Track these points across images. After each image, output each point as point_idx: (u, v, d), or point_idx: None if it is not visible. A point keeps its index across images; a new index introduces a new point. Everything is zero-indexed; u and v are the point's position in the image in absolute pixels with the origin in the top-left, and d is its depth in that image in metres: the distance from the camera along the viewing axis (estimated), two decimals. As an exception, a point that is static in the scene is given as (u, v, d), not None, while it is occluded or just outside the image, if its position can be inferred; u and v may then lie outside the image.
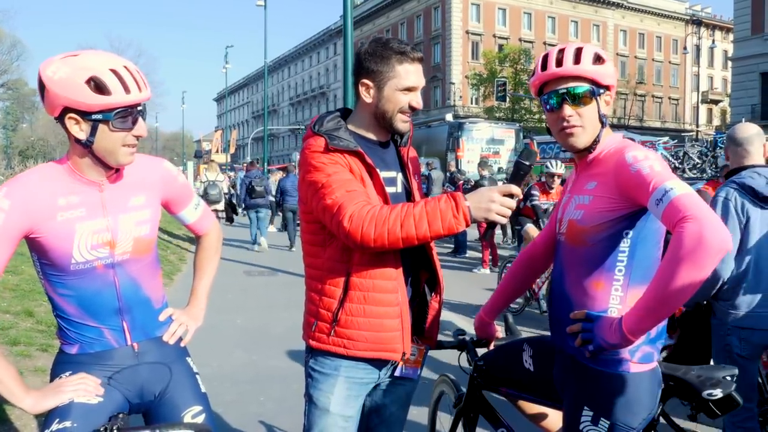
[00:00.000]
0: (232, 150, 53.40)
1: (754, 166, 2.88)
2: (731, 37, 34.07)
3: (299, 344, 2.09)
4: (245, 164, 18.93)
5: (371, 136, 1.99)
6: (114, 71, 1.64)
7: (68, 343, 1.83)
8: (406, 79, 1.89)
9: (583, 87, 1.74)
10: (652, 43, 56.90)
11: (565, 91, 1.75)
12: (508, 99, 33.28)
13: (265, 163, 28.90)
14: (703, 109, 54.99)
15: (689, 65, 56.39)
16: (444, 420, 2.86)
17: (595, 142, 1.79)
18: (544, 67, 1.79)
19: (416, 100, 1.93)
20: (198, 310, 2.12)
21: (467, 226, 1.73)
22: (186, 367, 1.99)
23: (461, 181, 12.17)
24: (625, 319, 1.56)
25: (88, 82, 1.61)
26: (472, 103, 47.97)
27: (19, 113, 60.16)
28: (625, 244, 1.70)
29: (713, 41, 50.67)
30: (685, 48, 50.46)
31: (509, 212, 1.73)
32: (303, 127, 52.42)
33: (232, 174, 27.09)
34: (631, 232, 1.69)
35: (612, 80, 1.78)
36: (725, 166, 4.60)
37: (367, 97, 1.92)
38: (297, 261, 11.09)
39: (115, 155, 1.72)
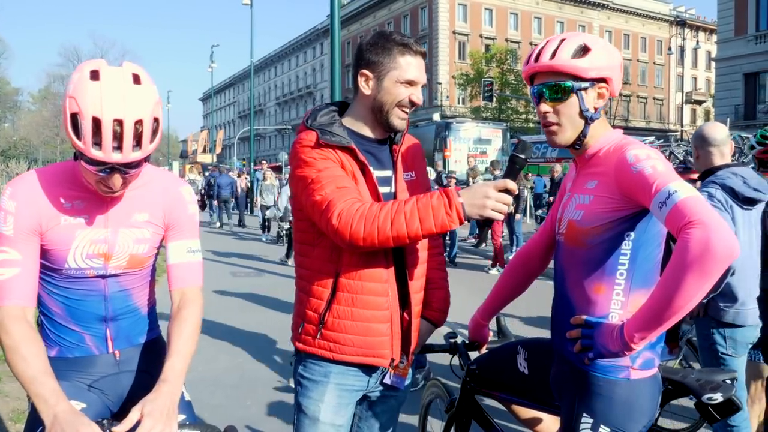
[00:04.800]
0: (218, 150, 53.13)
1: (727, 166, 2.90)
2: (715, 38, 34.33)
3: (285, 347, 2.02)
4: (212, 167, 25.79)
5: (367, 132, 1.90)
6: (96, 120, 1.46)
7: (48, 345, 1.77)
8: (407, 71, 1.82)
9: (560, 82, 1.67)
10: (637, 44, 57.37)
11: (541, 86, 1.70)
12: (494, 99, 33.39)
13: (251, 163, 29.14)
14: (687, 109, 55.49)
15: (673, 66, 56.98)
16: (435, 426, 2.80)
17: (580, 139, 1.72)
18: (528, 60, 1.74)
19: (417, 95, 1.85)
20: (173, 399, 1.60)
21: (461, 223, 1.66)
22: None
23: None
24: (626, 326, 1.50)
25: (72, 115, 1.49)
26: (459, 103, 48.09)
27: (0, 113, 59.29)
28: (626, 247, 1.63)
29: (697, 42, 51.20)
30: (669, 49, 50.91)
31: (506, 208, 1.65)
32: (291, 126, 52.39)
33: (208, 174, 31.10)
34: (632, 234, 1.63)
35: (604, 72, 1.67)
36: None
37: (366, 88, 1.85)
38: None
39: (93, 186, 1.65)
